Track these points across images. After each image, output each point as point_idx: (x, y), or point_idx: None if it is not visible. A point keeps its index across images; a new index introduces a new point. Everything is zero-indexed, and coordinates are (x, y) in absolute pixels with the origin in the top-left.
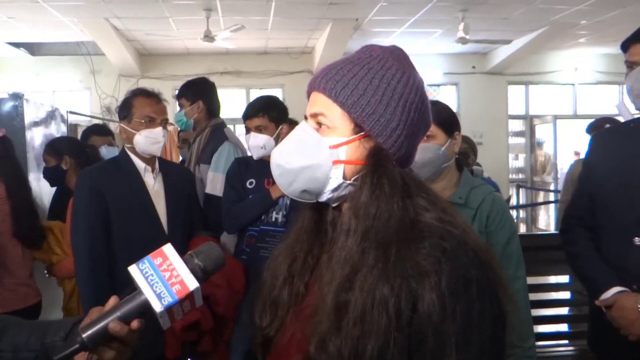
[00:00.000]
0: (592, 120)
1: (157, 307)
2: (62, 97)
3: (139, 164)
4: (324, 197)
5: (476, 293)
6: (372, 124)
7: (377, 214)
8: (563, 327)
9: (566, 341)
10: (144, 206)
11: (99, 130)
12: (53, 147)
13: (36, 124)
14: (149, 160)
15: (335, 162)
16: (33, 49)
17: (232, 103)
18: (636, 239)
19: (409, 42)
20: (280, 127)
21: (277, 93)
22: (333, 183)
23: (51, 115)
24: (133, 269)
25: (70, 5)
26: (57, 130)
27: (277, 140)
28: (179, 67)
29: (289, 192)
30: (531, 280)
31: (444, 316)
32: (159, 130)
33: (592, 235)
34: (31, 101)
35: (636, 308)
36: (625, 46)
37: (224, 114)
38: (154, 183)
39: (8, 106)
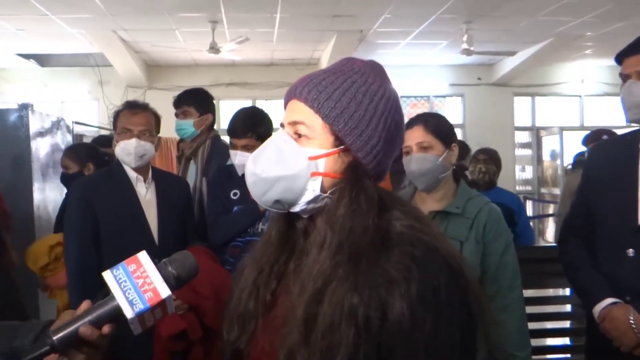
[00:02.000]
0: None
1: (128, 313)
2: (71, 108)
3: (131, 174)
4: (297, 208)
5: (445, 300)
6: (354, 139)
7: (352, 227)
8: (565, 341)
9: (568, 355)
10: (135, 216)
11: (98, 141)
12: (76, 153)
13: (41, 134)
14: (141, 170)
15: (314, 174)
16: (42, 60)
17: None
18: (630, 250)
19: (413, 53)
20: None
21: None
22: (309, 195)
23: (56, 126)
24: (107, 275)
25: (79, 18)
26: (63, 140)
27: None
28: (185, 78)
29: (262, 201)
30: (532, 292)
31: (414, 324)
32: (132, 141)
33: (588, 246)
34: (37, 111)
35: (627, 320)
36: (619, 59)
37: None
38: (145, 192)
39: (14, 116)
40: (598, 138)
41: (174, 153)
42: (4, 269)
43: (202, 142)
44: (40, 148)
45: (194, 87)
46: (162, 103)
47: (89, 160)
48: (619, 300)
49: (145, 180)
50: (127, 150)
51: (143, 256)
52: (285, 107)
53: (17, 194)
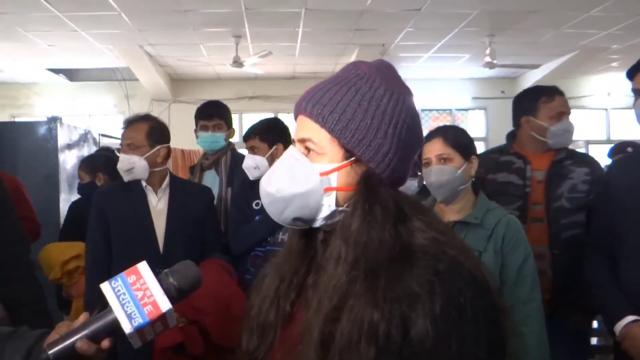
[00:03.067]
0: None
1: (127, 327)
2: (98, 121)
3: (143, 184)
4: (317, 224)
5: (472, 317)
6: (363, 149)
7: (367, 241)
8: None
9: None
10: (142, 225)
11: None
12: (87, 163)
13: (69, 146)
14: (151, 180)
15: (327, 190)
16: (71, 74)
17: None
18: None
19: (436, 67)
20: (275, 147)
21: None
22: (325, 210)
23: (84, 138)
24: (105, 287)
25: (107, 34)
26: (89, 152)
27: (271, 160)
28: (209, 92)
29: (280, 220)
30: None
31: (438, 343)
32: (121, 156)
33: (609, 263)
34: (65, 124)
35: None
36: (631, 74)
37: None
38: (157, 202)
39: (43, 129)
40: (623, 150)
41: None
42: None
43: (224, 153)
44: (68, 160)
45: (216, 100)
46: (187, 116)
47: (99, 171)
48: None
49: (157, 191)
50: (119, 164)
51: (143, 267)
52: (295, 122)
53: (45, 205)
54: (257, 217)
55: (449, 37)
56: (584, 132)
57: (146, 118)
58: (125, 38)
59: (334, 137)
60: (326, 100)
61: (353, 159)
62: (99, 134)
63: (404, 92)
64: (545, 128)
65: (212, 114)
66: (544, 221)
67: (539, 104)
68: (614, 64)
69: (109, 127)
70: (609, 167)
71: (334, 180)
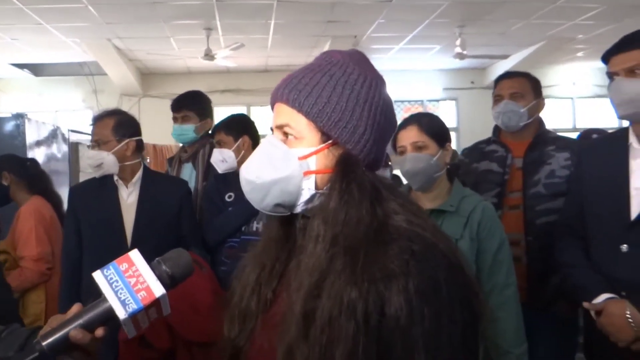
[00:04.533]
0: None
1: (121, 314)
2: (65, 117)
3: (116, 178)
4: (298, 209)
5: (445, 295)
6: (340, 131)
7: (345, 219)
8: None
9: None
10: (111, 219)
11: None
12: None
13: (38, 143)
14: (122, 173)
15: (306, 173)
16: (36, 69)
17: None
18: (624, 246)
19: (407, 58)
20: (241, 139)
21: None
22: (306, 194)
23: (53, 134)
24: (97, 275)
25: (74, 27)
26: (59, 149)
27: (238, 152)
28: (180, 86)
29: (262, 207)
30: None
31: (412, 320)
32: (89, 152)
33: (582, 244)
34: (33, 120)
35: (624, 314)
36: (606, 58)
37: None
38: (127, 196)
39: (10, 125)
40: (589, 138)
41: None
42: None
43: (202, 146)
44: (37, 157)
45: (193, 90)
46: (157, 111)
47: (4, 170)
48: (615, 296)
49: (128, 184)
50: (87, 160)
51: (135, 255)
52: (272, 110)
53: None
54: (230, 209)
55: (420, 28)
56: (550, 120)
57: (113, 113)
58: (92, 31)
59: (311, 120)
60: (302, 86)
61: (330, 141)
62: (69, 130)
63: (377, 78)
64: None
65: (181, 106)
66: (520, 208)
67: (494, 91)
68: (579, 54)
69: (77, 123)
70: (581, 149)
71: (313, 163)
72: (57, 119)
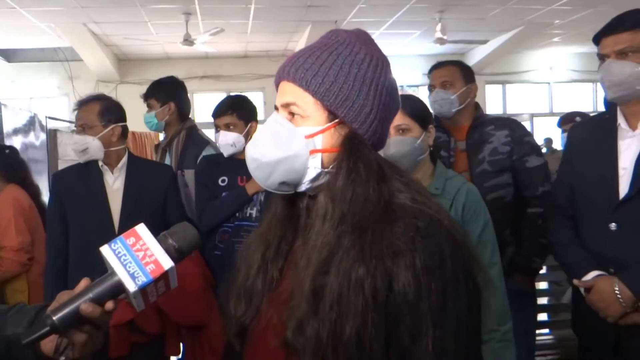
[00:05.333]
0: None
1: (131, 287)
2: (40, 104)
3: (101, 164)
4: (302, 188)
5: (451, 270)
6: (346, 110)
7: (353, 197)
8: (543, 317)
9: (546, 330)
10: (97, 205)
11: None
12: None
13: (15, 131)
14: (108, 159)
15: (312, 152)
16: (9, 55)
17: (212, 107)
18: (612, 224)
19: (387, 43)
20: (250, 124)
21: (258, 96)
22: (311, 173)
23: (30, 122)
24: (105, 249)
25: (48, 11)
26: (36, 137)
27: (247, 138)
28: (158, 72)
29: (267, 185)
30: None
31: (420, 294)
32: (75, 137)
33: (572, 223)
34: (9, 107)
35: (613, 291)
36: (597, 39)
37: (205, 118)
38: (113, 181)
39: None
40: (572, 120)
41: (148, 148)
42: None
43: (177, 132)
44: (15, 145)
45: (160, 78)
46: (134, 98)
47: None
48: (604, 273)
49: (113, 170)
50: (73, 148)
51: (141, 228)
52: (277, 89)
53: None
54: (223, 194)
55: (400, 13)
56: (528, 105)
57: (98, 98)
58: (67, 15)
59: (318, 99)
60: (309, 65)
61: (337, 120)
62: (46, 117)
63: (382, 59)
64: None
65: (146, 96)
66: None
67: None
68: (555, 39)
69: (52, 110)
70: (571, 130)
71: (319, 142)
72: (31, 106)
